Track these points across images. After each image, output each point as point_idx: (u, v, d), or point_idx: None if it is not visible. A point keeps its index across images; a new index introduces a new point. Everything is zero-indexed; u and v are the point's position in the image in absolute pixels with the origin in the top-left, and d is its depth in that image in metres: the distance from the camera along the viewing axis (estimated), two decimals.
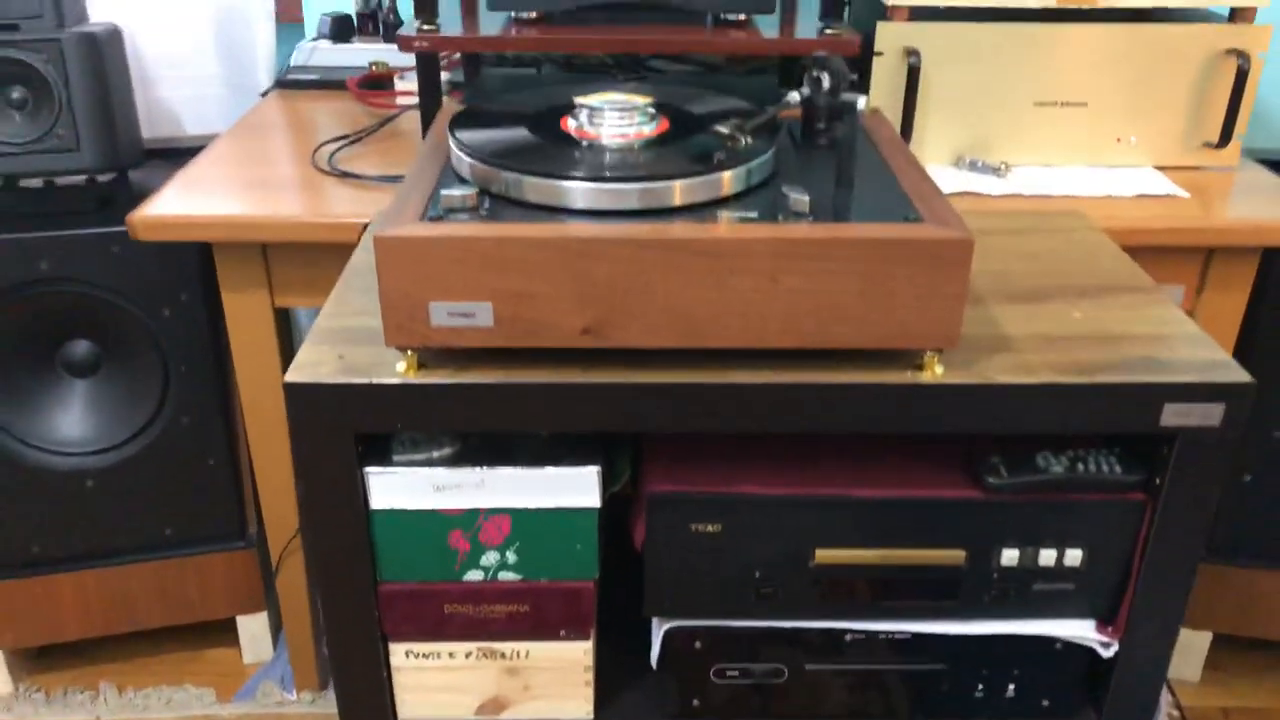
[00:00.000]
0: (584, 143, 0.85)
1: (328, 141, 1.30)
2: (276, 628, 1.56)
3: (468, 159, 0.83)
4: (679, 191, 0.79)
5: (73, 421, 1.38)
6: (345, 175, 1.21)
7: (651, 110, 0.87)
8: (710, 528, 0.87)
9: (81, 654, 1.53)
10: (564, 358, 0.80)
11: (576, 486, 0.85)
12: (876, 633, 0.92)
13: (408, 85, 1.45)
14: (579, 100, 0.87)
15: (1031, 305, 0.90)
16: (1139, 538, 0.87)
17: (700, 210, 0.79)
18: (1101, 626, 0.91)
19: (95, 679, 1.50)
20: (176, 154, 1.53)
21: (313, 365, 0.81)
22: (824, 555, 0.88)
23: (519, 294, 0.76)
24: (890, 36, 1.19)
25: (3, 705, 1.45)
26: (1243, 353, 1.25)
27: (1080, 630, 0.91)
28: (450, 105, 1.00)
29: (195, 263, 1.29)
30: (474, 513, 0.86)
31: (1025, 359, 0.82)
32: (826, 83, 0.93)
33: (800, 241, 0.75)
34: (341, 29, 1.58)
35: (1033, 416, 0.81)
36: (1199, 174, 1.25)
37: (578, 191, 0.78)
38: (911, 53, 1.19)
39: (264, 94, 1.55)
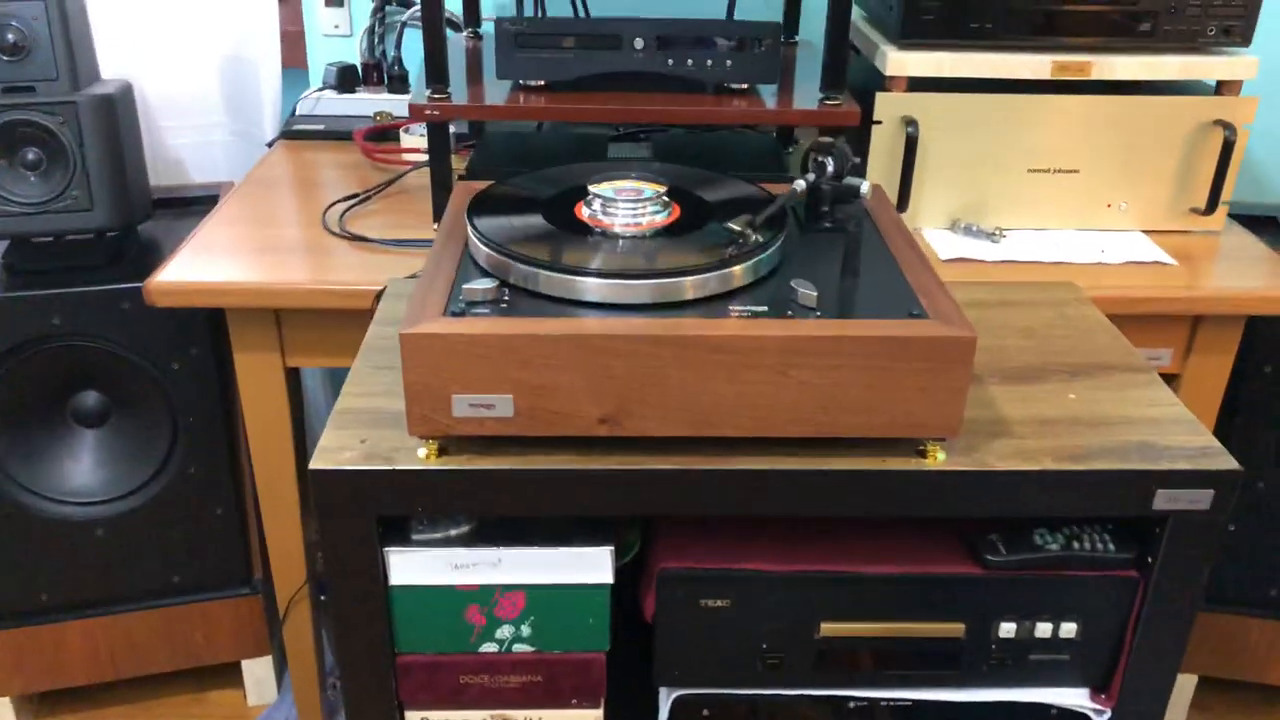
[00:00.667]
0: (599, 231, 0.88)
1: (337, 201, 1.33)
2: (280, 669, 1.58)
3: (486, 249, 0.85)
4: (691, 287, 0.82)
5: (83, 471, 1.40)
6: (355, 238, 1.23)
7: (664, 199, 0.90)
8: (719, 602, 0.90)
9: (87, 697, 1.54)
10: (580, 444, 0.83)
11: (590, 565, 0.88)
12: (878, 700, 0.95)
13: (412, 139, 1.47)
14: (593, 189, 0.90)
15: (1028, 385, 0.94)
16: (1132, 612, 0.90)
17: (712, 303, 0.82)
18: (1095, 694, 0.94)
19: None
20: (183, 203, 1.56)
21: (336, 451, 0.83)
22: (829, 628, 0.91)
23: (539, 386, 0.79)
24: (889, 106, 1.23)
25: None
26: (1228, 412, 1.29)
27: (1075, 699, 0.94)
28: (464, 189, 1.03)
29: (204, 318, 1.32)
30: (490, 589, 0.88)
31: (1024, 444, 0.85)
32: (831, 167, 0.96)
33: (809, 339, 0.78)
34: (346, 79, 1.60)
35: (1031, 501, 0.85)
36: (1186, 238, 1.29)
37: (595, 286, 0.81)
38: (909, 122, 1.22)
39: (270, 144, 1.57)
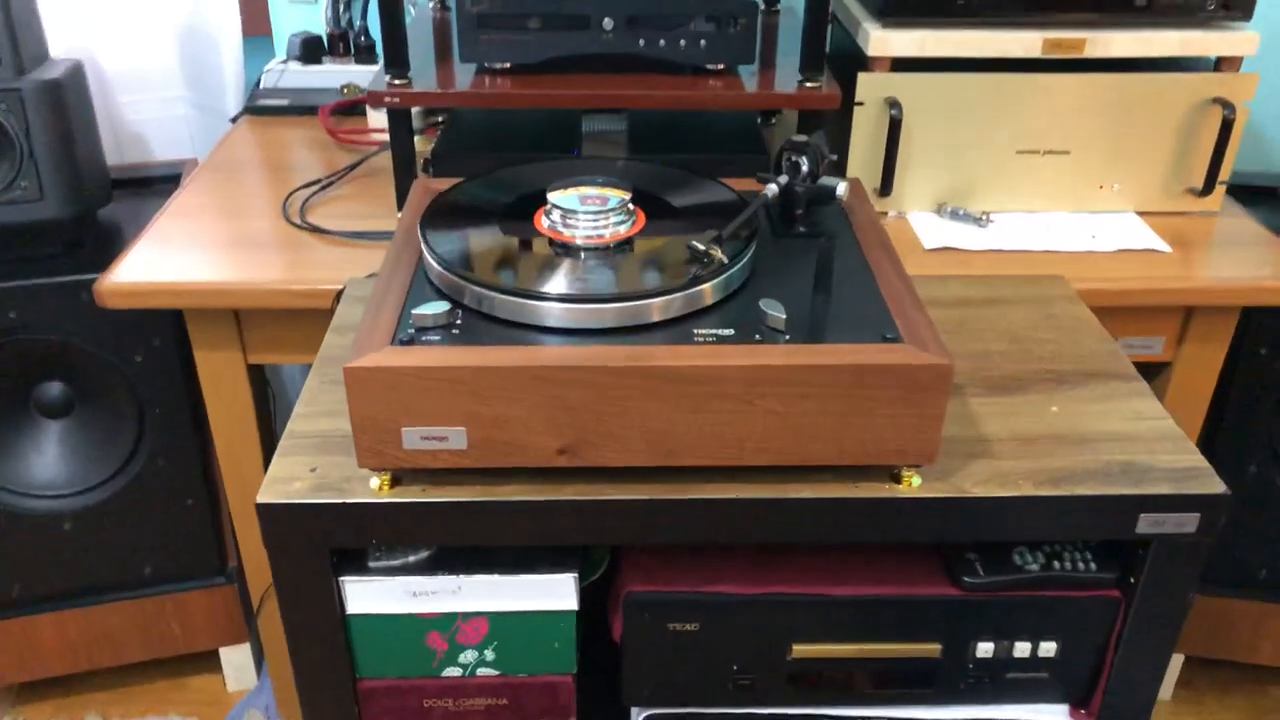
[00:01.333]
0: (559, 245, 0.84)
1: (300, 187, 1.28)
2: (259, 656, 1.56)
3: (439, 267, 0.81)
4: (653, 310, 0.78)
5: (48, 464, 1.37)
6: (316, 230, 1.19)
7: (628, 208, 0.86)
8: (688, 626, 0.87)
9: (65, 683, 1.53)
10: (539, 473, 0.79)
11: (554, 591, 0.85)
12: (852, 718, 0.93)
13: (380, 116, 1.42)
14: (553, 199, 0.85)
15: (1010, 397, 0.90)
16: (1113, 631, 0.88)
17: (675, 326, 0.78)
18: (1075, 711, 0.92)
19: (80, 710, 1.51)
20: (144, 183, 1.51)
21: (285, 482, 0.80)
22: (801, 650, 0.88)
23: (493, 418, 0.76)
24: (872, 87, 1.17)
25: None
26: (1220, 400, 1.26)
27: (1054, 715, 0.92)
28: (423, 188, 0.98)
29: (166, 310, 1.27)
30: (451, 616, 0.86)
31: (1002, 466, 0.82)
32: (805, 167, 0.92)
33: (776, 369, 0.74)
34: (311, 50, 1.54)
35: (1009, 526, 0.81)
36: (1182, 220, 1.24)
37: (552, 311, 0.77)
38: (893, 104, 1.17)
39: (234, 119, 1.52)
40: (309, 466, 0.81)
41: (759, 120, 1.37)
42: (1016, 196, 1.24)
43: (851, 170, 1.21)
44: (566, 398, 0.75)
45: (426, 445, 0.77)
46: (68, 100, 1.23)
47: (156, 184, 1.50)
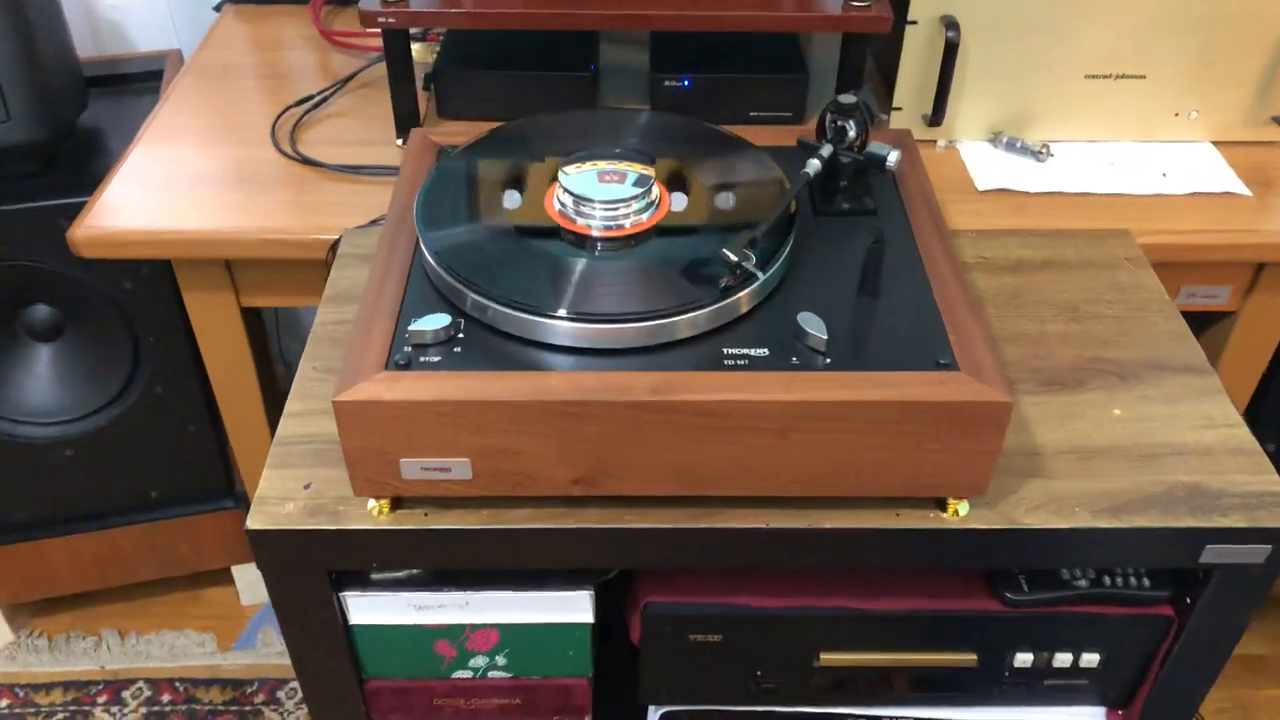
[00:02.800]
0: (572, 237, 0.74)
1: (292, 105, 1.16)
2: None
3: (437, 267, 0.72)
4: (680, 327, 0.69)
5: (43, 390, 1.32)
6: (310, 163, 1.08)
7: (650, 194, 0.75)
8: (710, 637, 0.82)
9: (80, 598, 1.52)
10: (552, 498, 0.73)
11: (569, 606, 0.80)
12: (881, 718, 0.89)
13: None
14: (564, 180, 0.75)
15: (1068, 394, 0.82)
16: (1162, 648, 0.83)
17: (702, 343, 0.70)
18: (1113, 714, 0.88)
19: (96, 622, 1.51)
20: (124, 81, 1.39)
21: (276, 502, 0.73)
22: (829, 658, 0.84)
23: (500, 450, 0.68)
24: (926, 4, 1.03)
25: (6, 654, 1.46)
26: None
27: (1091, 718, 0.89)
28: (421, 142, 0.87)
29: None
30: (459, 626, 0.81)
31: (1057, 489, 0.75)
32: (852, 132, 0.81)
33: (815, 404, 0.66)
34: None
35: (1063, 556, 0.75)
36: (1264, 152, 1.12)
37: (565, 330, 0.69)
38: (950, 23, 1.03)
39: (217, 7, 1.38)
40: (302, 482, 0.75)
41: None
42: (1080, 125, 1.11)
43: (899, 98, 1.09)
44: (581, 431, 0.67)
45: (428, 475, 0.70)
46: (29, 13, 1.10)
47: (137, 81, 1.38)
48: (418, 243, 0.76)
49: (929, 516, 0.73)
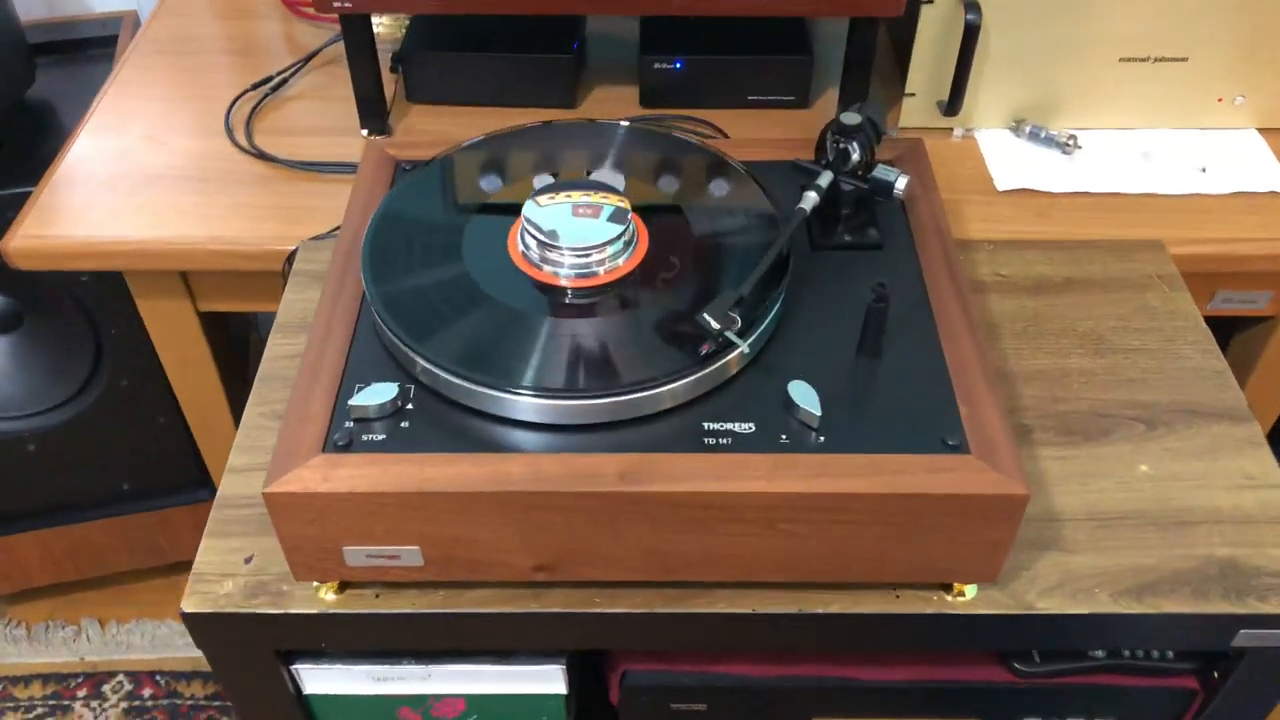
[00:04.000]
0: (537, 286, 0.66)
1: (249, 89, 1.06)
2: None
3: (384, 329, 0.64)
4: (654, 401, 0.61)
5: (1, 383, 1.25)
6: (266, 158, 0.99)
7: (627, 233, 0.67)
8: (694, 706, 0.76)
9: (60, 590, 1.47)
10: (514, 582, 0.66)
11: (540, 678, 0.74)
12: None
13: None
14: (530, 216, 0.67)
15: (1090, 446, 0.74)
16: (1184, 717, 0.76)
17: (680, 415, 0.62)
18: None
19: (75, 610, 1.46)
20: (77, 47, 1.29)
21: (214, 580, 0.67)
22: None
23: (453, 539, 0.61)
24: None
25: None
26: None
27: None
28: (377, 155, 0.78)
29: None
30: (423, 696, 0.75)
31: (1075, 565, 0.67)
32: (855, 155, 0.72)
33: (806, 496, 0.59)
34: None
35: (1080, 640, 0.68)
36: None
37: (527, 405, 0.61)
38: (969, 4, 0.93)
39: None
40: (243, 555, 0.68)
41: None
42: (1111, 111, 1.01)
43: (912, 83, 0.98)
44: (544, 520, 0.60)
45: (374, 562, 0.63)
46: None
47: (89, 48, 1.28)
48: (361, 301, 0.68)
49: (932, 599, 0.66)
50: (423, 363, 0.62)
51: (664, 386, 0.61)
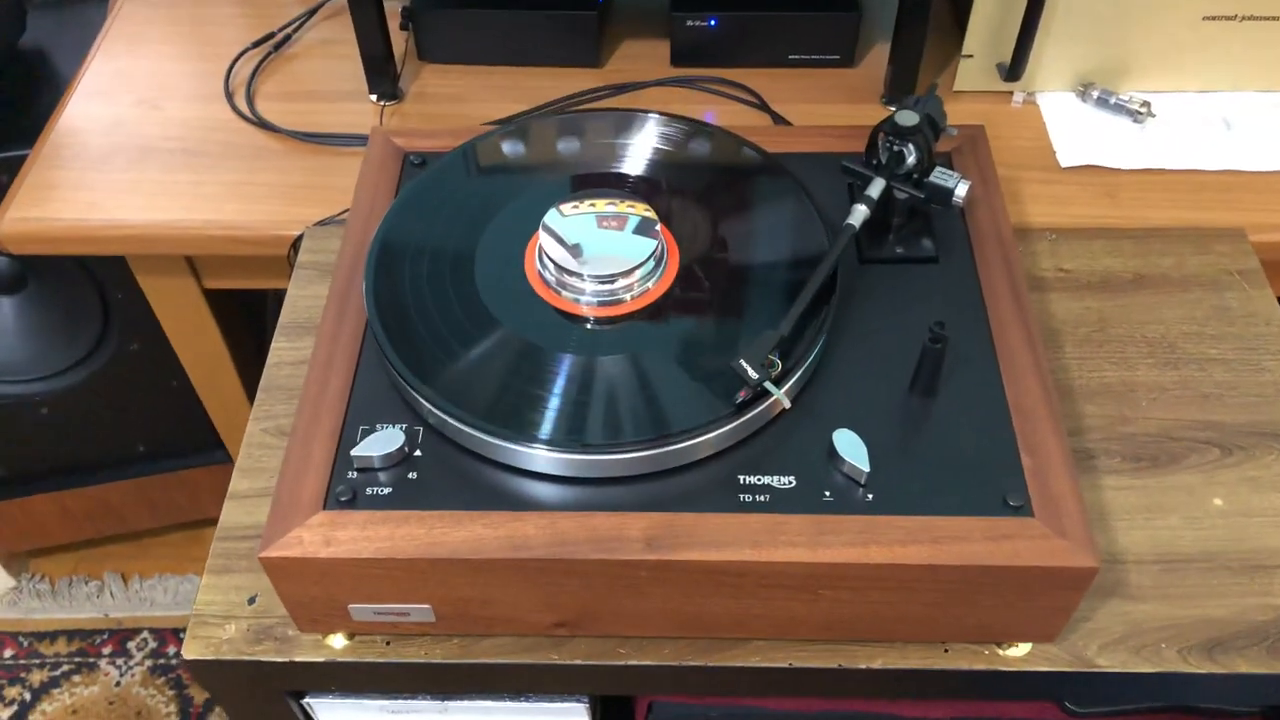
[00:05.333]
0: (558, 315, 0.60)
1: (250, 47, 0.98)
2: None
3: (390, 368, 0.59)
4: (684, 454, 0.56)
5: (9, 346, 1.21)
6: (268, 128, 0.92)
7: (657, 254, 0.60)
8: None
9: (80, 546, 1.46)
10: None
11: (562, 714, 0.70)
12: None
13: None
14: (546, 240, 0.60)
15: (1157, 475, 0.68)
16: None
17: (714, 464, 0.56)
18: None
19: (98, 564, 1.45)
20: None
21: (216, 623, 0.63)
22: None
23: (466, 599, 0.57)
24: None
25: (8, 600, 1.41)
26: None
27: None
28: (382, 147, 0.72)
29: None
30: None
31: (1139, 616, 0.62)
32: (911, 158, 0.64)
33: (852, 567, 0.53)
34: None
35: (1144, 699, 0.63)
36: None
37: (545, 459, 0.56)
38: None
39: None
40: (246, 594, 0.64)
41: None
42: (1189, 74, 0.92)
43: (970, 44, 0.90)
44: (564, 584, 0.55)
45: (383, 619, 0.59)
46: None
47: None
48: (365, 331, 0.62)
49: (983, 654, 0.61)
50: (432, 408, 0.57)
51: (693, 440, 0.55)
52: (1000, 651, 0.61)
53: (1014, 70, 0.90)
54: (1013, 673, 0.61)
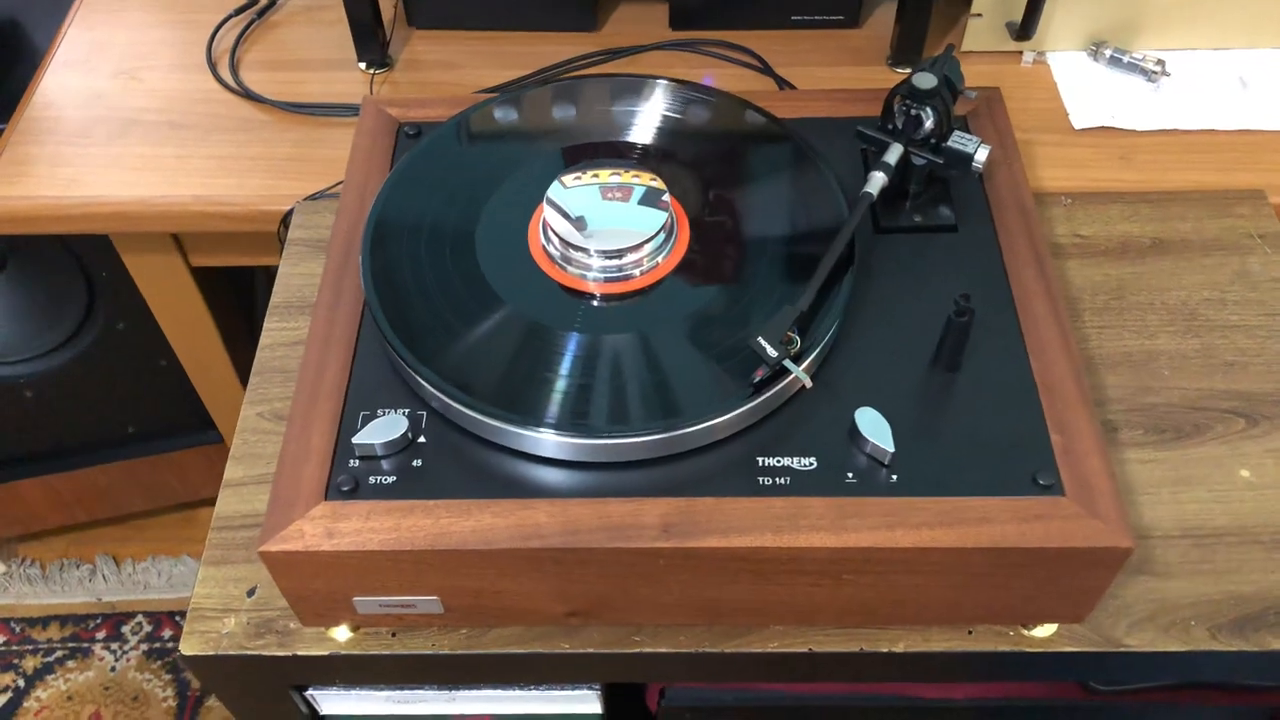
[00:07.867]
0: (563, 291, 0.58)
1: (232, 15, 0.95)
2: None
3: (391, 351, 0.56)
4: (699, 436, 0.53)
5: None
6: (254, 98, 0.89)
7: (664, 229, 0.58)
8: None
9: (72, 528, 1.43)
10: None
11: (572, 700, 0.68)
12: None
13: None
14: (550, 213, 0.58)
15: (1182, 446, 0.66)
16: None
17: (731, 446, 0.54)
18: None
19: (88, 548, 1.42)
20: None
21: (215, 617, 0.60)
22: None
23: (476, 590, 0.55)
24: None
25: None
26: None
27: None
28: (374, 116, 0.69)
29: None
30: (448, 717, 0.70)
31: (1168, 594, 0.60)
32: (928, 122, 0.62)
33: (877, 551, 0.51)
34: None
35: (1174, 677, 0.62)
36: None
37: (553, 444, 0.53)
38: None
39: None
40: (245, 586, 0.62)
41: None
42: (1203, 31, 0.89)
43: (978, 4, 0.87)
44: (577, 572, 0.53)
45: (389, 610, 0.57)
46: None
47: None
48: (363, 310, 0.59)
49: (1008, 635, 0.59)
50: (436, 392, 0.54)
51: (713, 420, 0.53)
52: (1026, 632, 0.59)
53: (1024, 29, 0.87)
54: (1040, 654, 0.59)
